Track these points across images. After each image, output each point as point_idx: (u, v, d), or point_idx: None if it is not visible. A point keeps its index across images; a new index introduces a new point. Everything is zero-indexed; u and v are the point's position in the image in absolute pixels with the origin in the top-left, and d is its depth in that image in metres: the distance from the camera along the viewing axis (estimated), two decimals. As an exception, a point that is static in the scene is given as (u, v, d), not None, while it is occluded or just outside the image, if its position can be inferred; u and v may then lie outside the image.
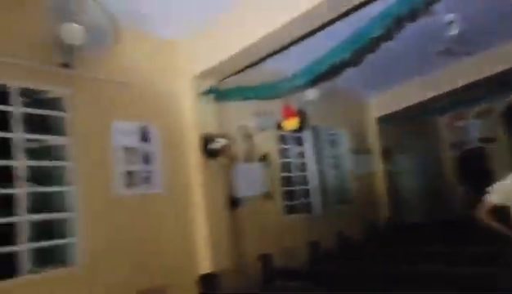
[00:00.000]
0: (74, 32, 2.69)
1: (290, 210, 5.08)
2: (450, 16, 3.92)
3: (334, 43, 3.21)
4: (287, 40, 3.44)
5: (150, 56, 3.76)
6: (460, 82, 5.72)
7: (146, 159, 3.59)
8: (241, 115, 4.52)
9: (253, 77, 4.21)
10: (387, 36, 3.20)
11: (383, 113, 6.59)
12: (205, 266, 3.73)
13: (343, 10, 3.08)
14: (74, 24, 2.67)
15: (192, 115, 3.87)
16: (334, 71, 3.39)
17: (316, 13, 2.97)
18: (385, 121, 6.70)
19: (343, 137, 6.18)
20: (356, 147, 6.23)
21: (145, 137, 3.60)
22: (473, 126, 8.68)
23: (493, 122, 8.60)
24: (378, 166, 6.57)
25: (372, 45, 3.19)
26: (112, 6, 3.06)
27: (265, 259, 4.22)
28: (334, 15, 3.07)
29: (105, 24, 2.90)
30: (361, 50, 3.02)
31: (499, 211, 2.84)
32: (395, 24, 2.91)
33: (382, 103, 6.57)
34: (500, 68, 5.37)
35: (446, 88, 5.85)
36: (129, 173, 3.45)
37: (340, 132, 6.16)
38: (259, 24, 3.22)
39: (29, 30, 2.90)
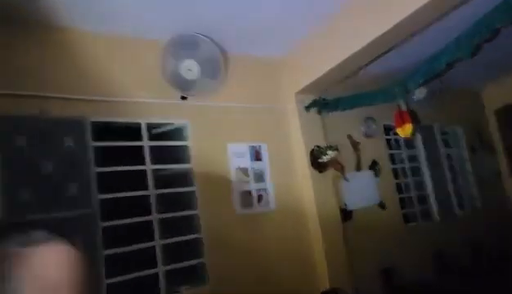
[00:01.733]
0: (190, 67, 2.88)
1: (408, 218, 4.78)
2: None
3: (442, 36, 2.98)
4: (386, 46, 3.28)
5: (252, 77, 3.87)
6: None
7: (259, 178, 3.69)
8: (347, 124, 4.42)
9: (354, 84, 4.13)
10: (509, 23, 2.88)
11: (501, 104, 5.89)
12: (323, 282, 3.67)
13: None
14: (190, 59, 2.87)
15: (299, 130, 3.89)
16: (449, 67, 3.14)
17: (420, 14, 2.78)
18: (505, 113, 5.98)
19: (459, 135, 5.67)
20: (475, 145, 5.67)
21: (256, 156, 3.71)
22: None
23: None
24: (502, 165, 5.88)
25: (493, 35, 2.89)
26: (215, 34, 3.24)
27: (387, 273, 4.01)
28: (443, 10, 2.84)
29: (216, 57, 3.06)
30: (481, 42, 2.75)
31: None
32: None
33: (498, 93, 5.89)
34: None
35: None
36: (244, 193, 3.57)
37: (455, 130, 5.66)
38: (358, 34, 3.13)
39: (150, 68, 3.18)
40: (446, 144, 5.54)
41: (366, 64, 3.71)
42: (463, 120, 5.68)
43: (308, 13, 3.31)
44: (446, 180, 5.33)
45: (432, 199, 5.07)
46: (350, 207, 4.15)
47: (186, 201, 3.23)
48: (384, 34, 2.90)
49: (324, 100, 3.90)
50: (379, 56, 3.50)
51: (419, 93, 4.39)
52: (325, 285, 3.64)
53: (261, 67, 3.96)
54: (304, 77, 3.79)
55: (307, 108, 3.89)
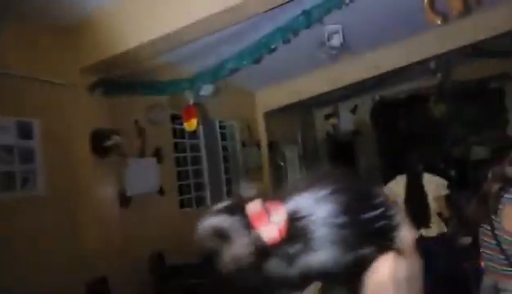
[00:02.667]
0: None
1: (185, 204, 5.08)
2: (334, 27, 4.34)
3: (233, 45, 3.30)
4: (185, 39, 3.39)
5: (35, 44, 3.34)
6: (339, 84, 6.35)
7: (25, 159, 3.23)
8: (134, 109, 4.32)
9: (146, 69, 4.08)
10: (284, 43, 3.41)
11: (269, 107, 6.90)
12: (96, 270, 3.52)
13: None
14: None
15: (81, 110, 3.58)
16: (234, 71, 3.48)
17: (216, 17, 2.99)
18: (271, 115, 7.04)
19: (234, 131, 6.35)
20: (246, 140, 6.45)
21: (24, 134, 3.22)
22: (346, 120, 9.73)
23: (361, 117, 9.81)
24: (265, 158, 6.91)
25: (272, 51, 3.37)
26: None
27: (156, 258, 4.15)
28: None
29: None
30: (261, 56, 3.16)
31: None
32: (294, 34, 3.12)
33: (268, 98, 6.88)
34: (364, 74, 6.17)
35: (326, 88, 6.44)
36: (6, 174, 3.07)
37: (231, 126, 6.30)
38: (158, 20, 3.11)
39: None
40: (223, 137, 6.13)
41: (160, 53, 3.71)
42: (238, 117, 6.37)
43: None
44: (220, 169, 5.91)
45: (207, 187, 5.54)
46: (129, 192, 4.10)
47: None
48: (182, 28, 2.97)
49: (112, 81, 3.70)
50: (174, 48, 3.56)
51: (206, 90, 4.70)
52: (99, 273, 3.49)
53: (47, 34, 3.44)
54: (92, 53, 3.50)
55: (92, 87, 3.62)
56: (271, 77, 6.24)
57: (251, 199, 0.59)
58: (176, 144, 5.10)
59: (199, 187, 5.48)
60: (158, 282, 4.01)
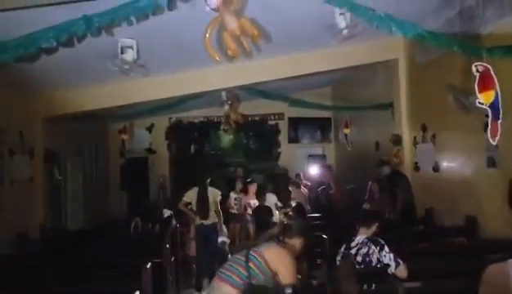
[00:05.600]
0: None
1: None
2: (128, 41, 4.20)
3: None
4: None
5: None
6: (133, 100, 6.20)
7: None
8: None
9: None
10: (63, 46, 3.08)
11: (50, 114, 6.12)
12: None
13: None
14: None
15: None
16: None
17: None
18: (52, 122, 6.26)
19: (2, 135, 5.34)
20: (14, 147, 5.50)
21: None
22: (141, 137, 9.59)
23: (156, 135, 9.84)
24: (38, 170, 6.04)
25: (46, 50, 2.98)
26: None
27: None
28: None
29: None
30: (33, 53, 2.75)
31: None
32: (76, 38, 2.83)
33: (50, 104, 6.09)
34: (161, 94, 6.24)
35: (119, 102, 6.20)
36: None
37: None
38: None
39: None
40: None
41: None
42: (7, 118, 5.38)
43: None
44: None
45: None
46: None
47: None
48: None
49: None
50: None
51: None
52: None
53: None
54: None
55: None
56: (57, 81, 5.57)
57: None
58: None
59: None
60: None
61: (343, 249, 3.23)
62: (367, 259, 3.04)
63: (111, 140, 9.40)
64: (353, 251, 3.12)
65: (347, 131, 8.01)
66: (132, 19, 2.74)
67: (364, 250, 3.07)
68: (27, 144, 5.74)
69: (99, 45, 3.98)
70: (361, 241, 3.13)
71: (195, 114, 9.71)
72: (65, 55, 4.12)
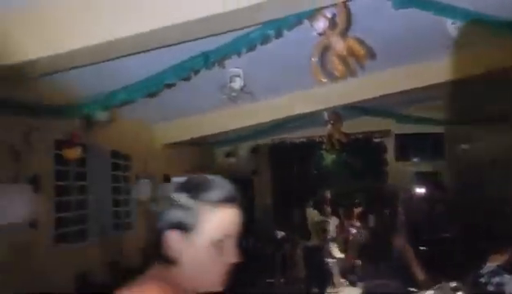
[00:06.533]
0: None
1: (62, 239, 4.59)
2: (236, 71, 4.48)
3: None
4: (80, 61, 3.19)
5: None
6: (239, 124, 6.53)
7: None
8: (7, 130, 3.84)
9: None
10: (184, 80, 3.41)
11: (168, 140, 6.77)
12: None
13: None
14: None
15: None
16: (125, 103, 3.36)
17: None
18: (170, 148, 6.92)
19: (130, 162, 6.05)
20: (140, 172, 6.18)
21: None
22: (246, 160, 9.98)
23: (258, 158, 10.16)
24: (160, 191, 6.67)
25: (168, 86, 3.33)
26: None
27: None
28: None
29: None
30: (156, 90, 3.11)
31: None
32: (194, 72, 3.13)
33: (168, 131, 6.75)
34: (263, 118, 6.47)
35: (226, 128, 6.59)
36: None
37: (126, 156, 6.01)
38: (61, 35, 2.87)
39: None
40: (116, 167, 5.79)
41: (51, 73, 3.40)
42: (133, 147, 6.09)
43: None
44: (108, 201, 5.53)
45: (91, 219, 5.11)
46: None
47: None
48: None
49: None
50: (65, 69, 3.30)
51: (101, 116, 4.41)
52: None
53: None
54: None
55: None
56: (172, 111, 6.16)
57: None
58: (59, 172, 4.64)
59: (83, 219, 5.04)
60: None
61: (472, 278, 2.93)
62: (501, 289, 2.71)
63: (217, 163, 9.95)
64: (484, 280, 2.81)
65: (464, 146, 7.35)
66: (243, 50, 2.92)
67: (497, 279, 2.75)
68: (149, 169, 6.40)
69: (210, 76, 4.32)
70: (492, 269, 2.81)
71: (298, 135, 9.80)
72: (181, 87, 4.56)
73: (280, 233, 6.51)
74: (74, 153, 3.51)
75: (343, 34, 2.85)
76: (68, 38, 2.79)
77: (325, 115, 7.32)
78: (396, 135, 9.63)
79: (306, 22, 2.97)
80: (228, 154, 8.98)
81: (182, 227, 0.98)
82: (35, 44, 2.91)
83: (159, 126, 6.69)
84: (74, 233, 4.86)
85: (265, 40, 3.03)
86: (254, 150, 10.08)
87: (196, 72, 3.79)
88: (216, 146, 9.51)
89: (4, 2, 2.73)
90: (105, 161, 5.50)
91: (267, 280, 3.80)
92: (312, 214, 5.94)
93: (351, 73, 3.48)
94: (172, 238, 0.99)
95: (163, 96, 4.95)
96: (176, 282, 0.98)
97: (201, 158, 9.09)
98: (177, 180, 1.16)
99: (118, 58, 2.96)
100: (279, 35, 3.22)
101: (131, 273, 1.03)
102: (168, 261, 0.99)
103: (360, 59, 2.93)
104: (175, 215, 1.00)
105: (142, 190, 6.12)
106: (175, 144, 6.89)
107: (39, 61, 2.95)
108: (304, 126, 8.72)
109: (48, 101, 3.68)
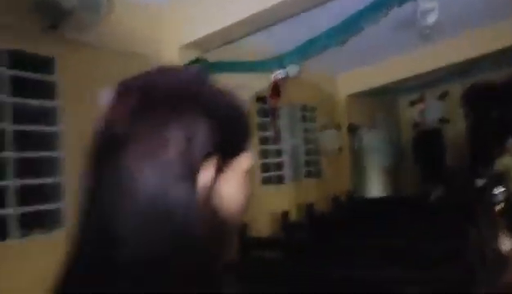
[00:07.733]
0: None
1: (265, 181, 5.27)
2: (432, 4, 4.14)
3: (322, 24, 3.33)
4: (277, 17, 3.50)
5: (132, 22, 3.65)
6: (425, 68, 6.07)
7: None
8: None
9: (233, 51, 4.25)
10: (374, 23, 3.37)
11: (351, 91, 6.82)
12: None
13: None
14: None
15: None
16: (322, 51, 3.53)
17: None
18: (353, 98, 6.96)
19: (315, 113, 6.38)
20: (326, 123, 6.45)
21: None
22: (434, 108, 9.20)
23: (448, 104, 9.21)
24: (344, 141, 6.85)
25: (360, 31, 3.36)
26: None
27: (241, 229, 4.39)
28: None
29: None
30: (350, 35, 3.17)
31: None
32: (384, 13, 3.07)
33: (351, 81, 6.78)
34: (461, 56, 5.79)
35: (411, 72, 6.19)
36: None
37: (312, 108, 6.34)
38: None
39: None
40: (304, 119, 6.19)
41: (251, 33, 3.85)
42: (319, 99, 6.38)
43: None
44: (300, 150, 6.00)
45: (286, 166, 5.68)
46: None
47: (47, 141, 2.99)
48: (273, 6, 3.09)
49: (204, 60, 3.94)
50: (264, 28, 3.69)
51: (292, 70, 4.76)
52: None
53: (147, 15, 3.77)
54: (190, 32, 3.76)
55: (189, 65, 3.88)
56: (354, 60, 6.14)
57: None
58: (261, 124, 5.27)
59: (280, 166, 5.63)
60: (242, 252, 4.25)
61: None
62: None
63: (402, 113, 9.50)
64: None
65: None
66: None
67: None
68: (334, 119, 6.63)
69: (395, 15, 4.11)
70: None
71: (495, 76, 8.46)
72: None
73: (481, 182, 5.90)
74: (276, 102, 3.93)
75: None
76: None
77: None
78: None
79: None
80: (412, 103, 8.47)
81: None
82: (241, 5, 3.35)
83: (341, 77, 6.78)
84: (274, 177, 5.49)
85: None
86: (443, 96, 9.20)
87: (387, 11, 3.68)
88: (399, 95, 9.07)
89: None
90: (295, 113, 5.95)
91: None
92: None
93: None
94: None
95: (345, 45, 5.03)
96: None
97: (384, 108, 8.84)
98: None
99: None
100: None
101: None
102: None
103: None
104: None
105: (328, 140, 6.41)
106: (357, 94, 6.90)
107: (244, 22, 3.39)
108: (501, 64, 7.45)
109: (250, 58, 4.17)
